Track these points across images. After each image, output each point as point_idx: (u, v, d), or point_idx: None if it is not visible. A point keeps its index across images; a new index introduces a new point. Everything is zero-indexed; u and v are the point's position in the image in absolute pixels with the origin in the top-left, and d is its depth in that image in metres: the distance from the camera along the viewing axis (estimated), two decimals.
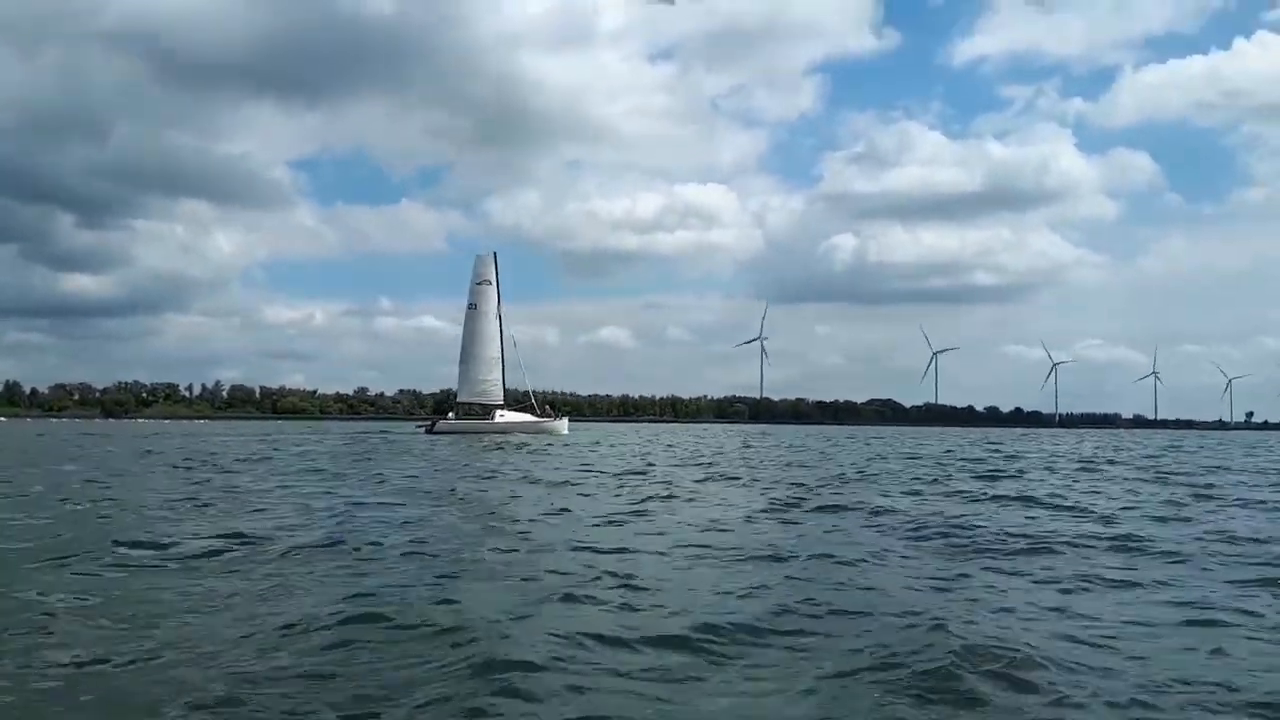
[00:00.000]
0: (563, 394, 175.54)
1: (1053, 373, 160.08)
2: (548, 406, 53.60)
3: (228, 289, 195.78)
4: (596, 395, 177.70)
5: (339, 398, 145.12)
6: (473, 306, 53.26)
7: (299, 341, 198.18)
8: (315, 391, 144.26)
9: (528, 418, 50.24)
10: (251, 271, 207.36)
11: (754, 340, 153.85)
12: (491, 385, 52.24)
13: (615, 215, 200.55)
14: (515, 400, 53.06)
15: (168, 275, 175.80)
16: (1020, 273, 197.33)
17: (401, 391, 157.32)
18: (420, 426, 51.71)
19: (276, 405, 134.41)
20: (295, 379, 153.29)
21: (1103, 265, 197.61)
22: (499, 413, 50.45)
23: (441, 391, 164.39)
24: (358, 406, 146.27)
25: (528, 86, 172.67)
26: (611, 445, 34.11)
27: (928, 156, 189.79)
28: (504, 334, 52.95)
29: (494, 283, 53.13)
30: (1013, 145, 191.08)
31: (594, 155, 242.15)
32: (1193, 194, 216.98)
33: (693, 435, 56.30)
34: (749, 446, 35.75)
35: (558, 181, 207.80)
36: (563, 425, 50.76)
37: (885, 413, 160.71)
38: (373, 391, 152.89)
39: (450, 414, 53.17)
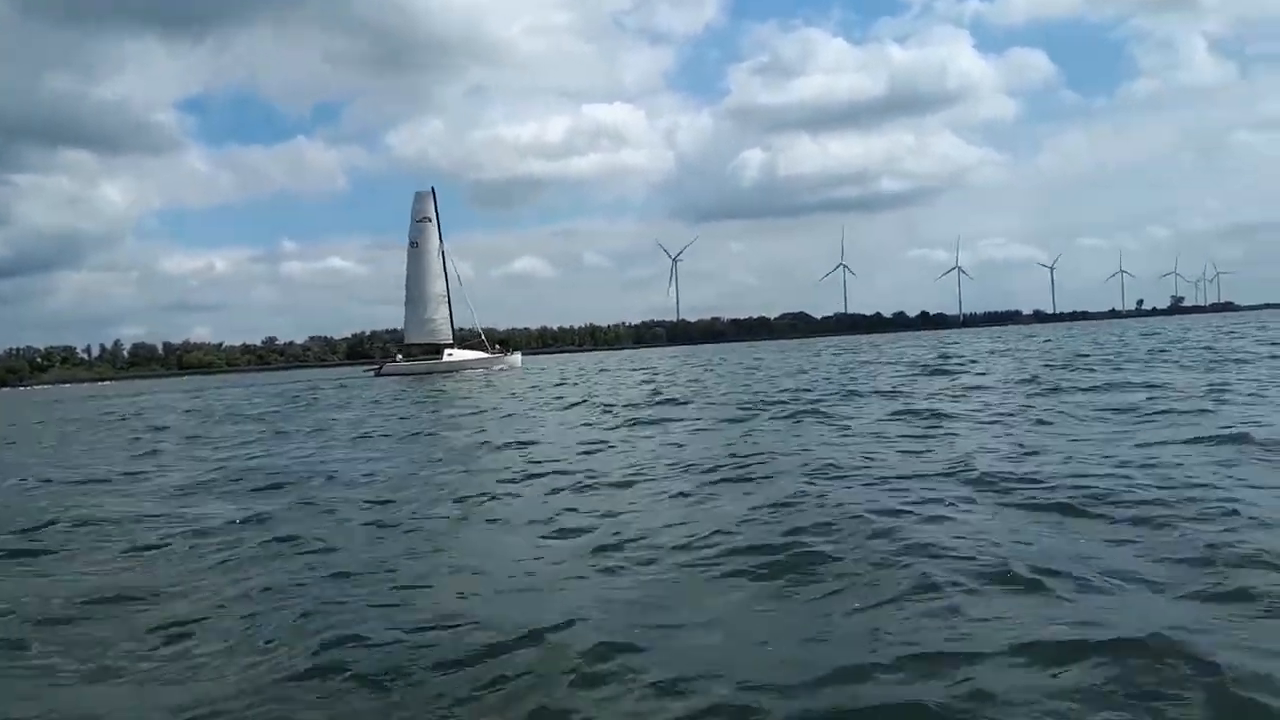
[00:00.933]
0: (484, 328, 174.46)
1: (955, 274, 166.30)
2: (498, 344, 53.00)
3: (122, 242, 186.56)
4: (514, 329, 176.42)
5: (246, 349, 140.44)
6: (414, 245, 52.26)
7: (202, 293, 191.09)
8: (221, 344, 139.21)
9: (479, 355, 49.76)
10: (145, 222, 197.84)
11: (671, 256, 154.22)
12: (440, 324, 51.44)
13: (523, 141, 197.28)
14: (464, 339, 52.48)
15: (55, 231, 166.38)
16: (924, 176, 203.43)
17: (312, 338, 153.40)
18: (369, 370, 50.82)
19: (181, 361, 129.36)
20: (200, 332, 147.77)
21: (1003, 164, 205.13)
22: (448, 351, 49.68)
23: (353, 335, 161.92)
24: (267, 357, 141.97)
25: (424, 9, 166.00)
26: (567, 378, 33.03)
27: (831, 64, 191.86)
28: (448, 271, 52.23)
29: (434, 219, 52.12)
30: (913, 48, 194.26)
31: (497, 79, 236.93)
32: (1087, 89, 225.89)
33: (635, 361, 55.85)
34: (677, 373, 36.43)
35: (462, 108, 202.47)
36: (516, 360, 50.66)
37: (798, 325, 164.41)
38: (282, 340, 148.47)
39: (398, 355, 52.37)
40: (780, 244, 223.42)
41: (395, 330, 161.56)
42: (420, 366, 47.99)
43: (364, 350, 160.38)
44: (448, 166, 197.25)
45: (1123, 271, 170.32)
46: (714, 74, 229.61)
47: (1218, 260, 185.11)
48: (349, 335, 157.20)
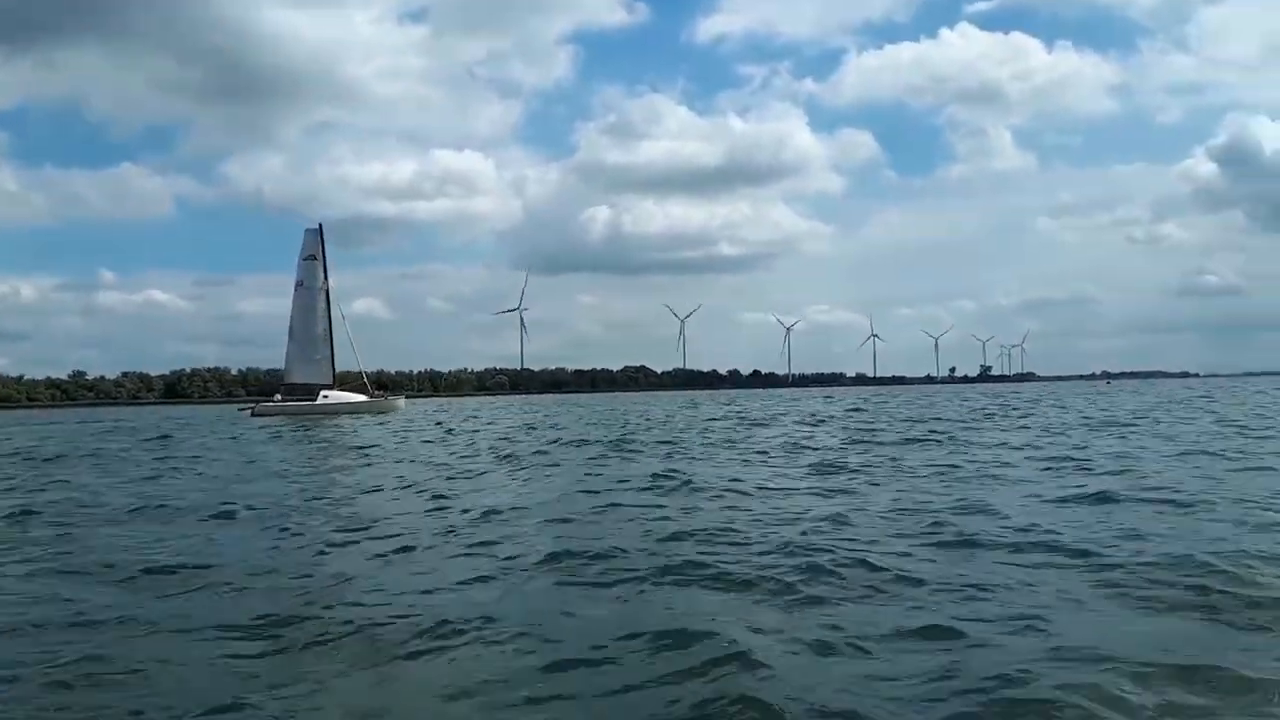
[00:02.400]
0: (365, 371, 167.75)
1: (786, 336, 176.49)
2: (380, 387, 51.82)
3: None
4: (347, 372, 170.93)
5: (51, 383, 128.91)
6: (300, 284, 51.26)
7: (3, 320, 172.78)
8: (22, 377, 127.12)
9: (358, 397, 48.90)
10: None
11: (513, 310, 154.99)
12: (321, 364, 50.21)
13: (369, 181, 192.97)
14: (344, 380, 51.57)
15: None
16: (759, 243, 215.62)
17: (125, 374, 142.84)
18: (243, 409, 49.35)
19: None
20: None
21: (830, 236, 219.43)
22: (324, 393, 48.44)
23: (172, 372, 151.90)
24: (73, 392, 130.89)
25: (271, 40, 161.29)
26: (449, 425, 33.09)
27: (675, 130, 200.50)
28: (332, 311, 51.08)
29: (320, 258, 51.23)
30: (752, 122, 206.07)
31: (344, 118, 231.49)
32: (906, 169, 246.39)
33: (491, 410, 56.36)
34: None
35: (305, 144, 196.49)
36: (400, 403, 50.11)
37: (639, 379, 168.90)
38: (92, 374, 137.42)
39: (277, 395, 50.78)
40: (624, 299, 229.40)
41: (218, 368, 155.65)
42: (299, 407, 46.65)
43: (182, 389, 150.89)
44: (287, 202, 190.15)
45: (937, 339, 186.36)
46: (563, 130, 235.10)
47: (1019, 333, 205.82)
48: (167, 372, 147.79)
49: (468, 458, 16.29)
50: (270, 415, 44.29)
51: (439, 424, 31.65)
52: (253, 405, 50.13)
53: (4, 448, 22.91)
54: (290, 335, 51.17)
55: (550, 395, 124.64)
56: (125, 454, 19.40)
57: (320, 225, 52.89)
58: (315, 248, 51.83)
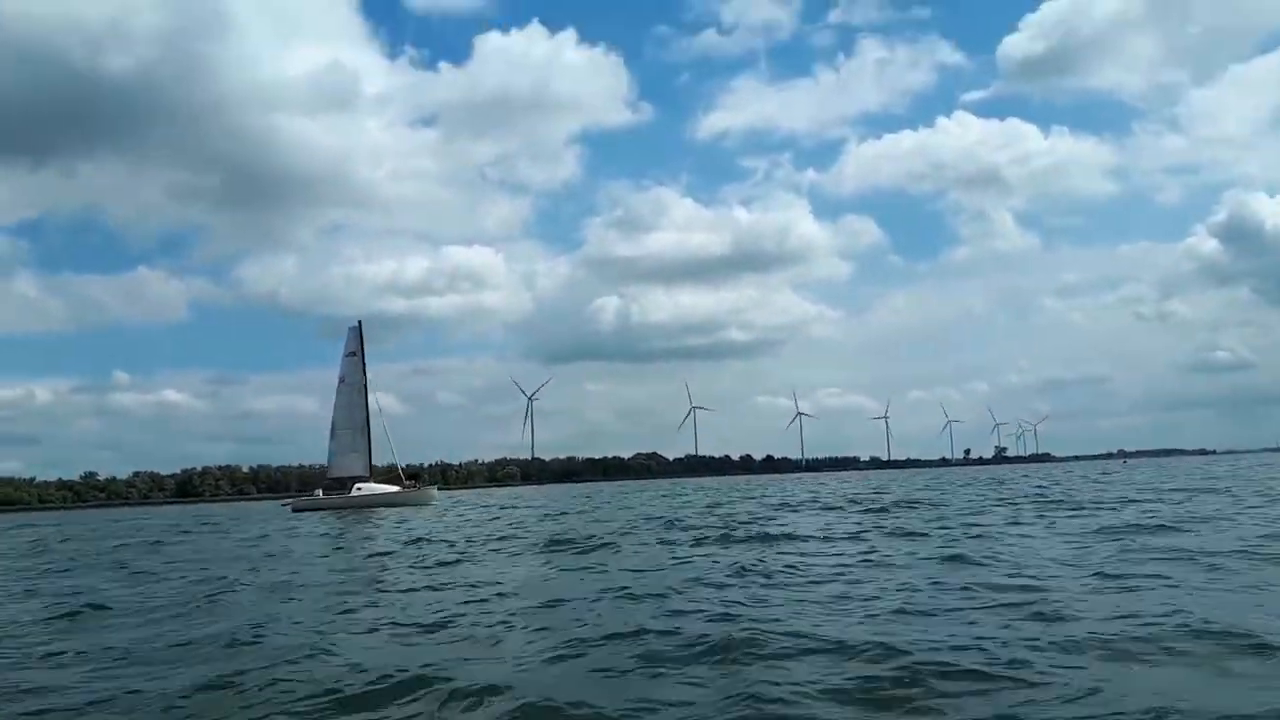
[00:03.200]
0: (323, 466, 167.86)
1: (797, 421, 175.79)
2: (411, 478, 51.78)
3: None
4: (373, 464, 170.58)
5: (62, 484, 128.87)
6: (343, 380, 52.49)
7: (17, 424, 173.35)
8: (33, 479, 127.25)
9: (391, 488, 48.93)
10: None
11: (527, 397, 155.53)
12: (361, 457, 50.98)
13: (381, 279, 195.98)
14: (378, 473, 52.02)
15: None
16: (767, 329, 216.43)
17: (137, 474, 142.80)
18: (285, 504, 50.82)
19: None
20: (10, 466, 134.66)
21: (838, 320, 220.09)
22: (357, 485, 48.89)
23: (183, 471, 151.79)
24: (85, 493, 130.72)
25: (284, 148, 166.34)
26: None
27: (681, 222, 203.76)
28: (369, 404, 51.93)
29: (359, 354, 52.47)
30: (757, 212, 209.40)
31: (357, 219, 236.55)
32: (910, 254, 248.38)
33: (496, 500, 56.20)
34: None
35: (318, 246, 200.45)
36: (433, 493, 50.32)
37: (651, 465, 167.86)
38: (103, 475, 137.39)
39: (317, 491, 51.37)
40: (634, 386, 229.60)
41: (229, 466, 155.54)
42: (335, 501, 47.21)
43: (194, 487, 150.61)
44: (300, 302, 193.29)
45: (950, 423, 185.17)
46: (570, 225, 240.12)
47: (1033, 414, 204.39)
48: (178, 471, 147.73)
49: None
50: (309, 510, 44.89)
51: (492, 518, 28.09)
52: (291, 501, 51.36)
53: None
54: (333, 431, 52.12)
55: (562, 485, 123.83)
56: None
57: (360, 322, 54.11)
58: (356, 344, 53.01)
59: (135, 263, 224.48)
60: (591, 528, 19.58)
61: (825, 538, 14.76)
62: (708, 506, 28.25)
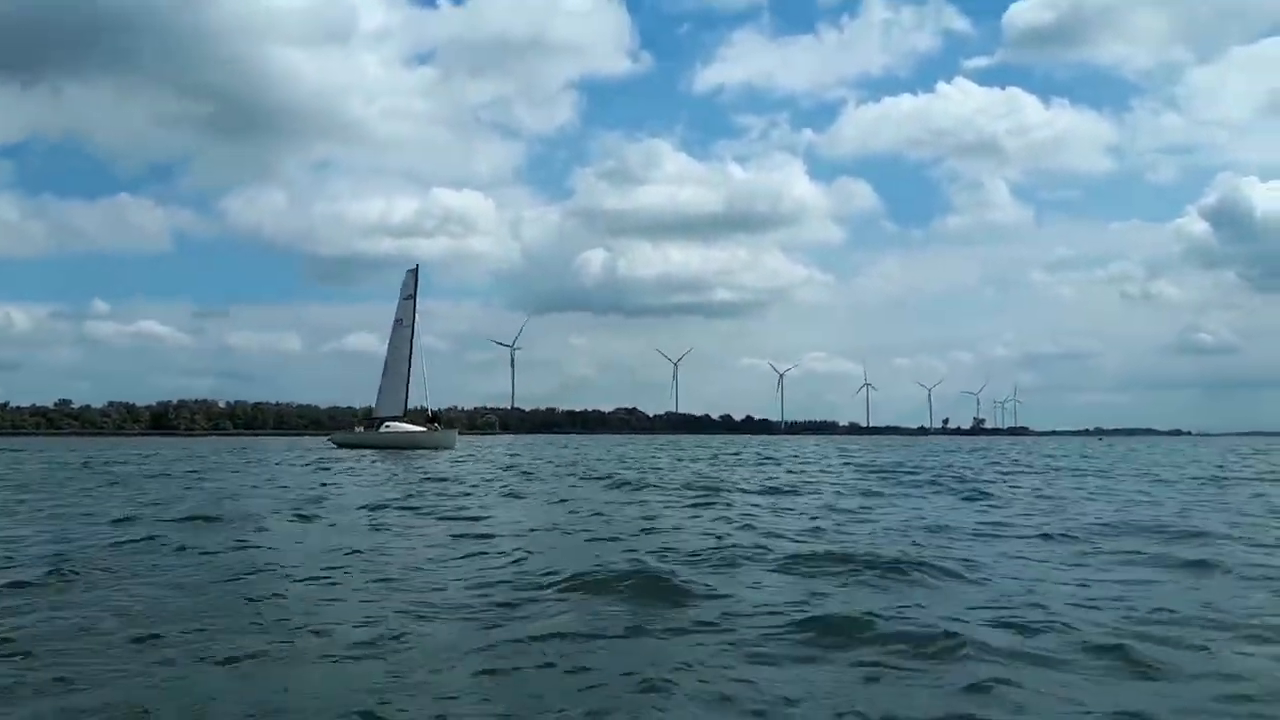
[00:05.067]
0: (302, 405, 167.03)
1: (779, 382, 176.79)
2: (432, 420, 51.75)
3: None
4: (337, 407, 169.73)
5: (36, 411, 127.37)
6: (399, 322, 53.79)
7: None
8: (6, 404, 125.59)
9: (417, 429, 49.52)
10: None
11: (507, 346, 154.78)
12: (402, 399, 52.26)
13: (369, 218, 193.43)
14: (405, 412, 52.80)
15: None
16: (755, 290, 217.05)
17: (111, 404, 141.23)
18: (330, 440, 53.04)
19: None
20: None
21: (828, 284, 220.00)
22: (386, 424, 50.29)
23: (159, 403, 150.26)
24: (58, 421, 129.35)
25: (276, 80, 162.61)
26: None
27: (674, 176, 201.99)
28: (414, 347, 52.87)
29: (414, 297, 53.45)
30: (752, 170, 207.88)
31: (347, 156, 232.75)
32: (904, 221, 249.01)
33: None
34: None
35: (306, 181, 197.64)
36: (454, 437, 50.60)
37: (631, 421, 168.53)
38: (78, 404, 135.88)
39: (358, 427, 53.82)
40: (618, 341, 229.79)
41: (205, 400, 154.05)
42: (370, 438, 48.78)
43: (168, 420, 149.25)
44: (287, 237, 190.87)
45: (931, 390, 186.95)
46: (562, 173, 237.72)
47: (1014, 387, 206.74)
48: (154, 404, 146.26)
49: None
50: (350, 446, 46.96)
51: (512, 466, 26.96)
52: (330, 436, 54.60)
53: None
54: (385, 371, 53.84)
55: (541, 435, 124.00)
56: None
57: (417, 266, 55.38)
58: (412, 287, 53.98)
59: (119, 189, 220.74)
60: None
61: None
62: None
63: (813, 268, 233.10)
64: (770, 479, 19.33)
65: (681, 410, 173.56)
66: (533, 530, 9.91)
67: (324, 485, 17.56)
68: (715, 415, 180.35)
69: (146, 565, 7.16)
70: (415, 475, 21.15)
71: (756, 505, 12.95)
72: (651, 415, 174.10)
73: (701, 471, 22.89)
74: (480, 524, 10.34)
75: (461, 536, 9.16)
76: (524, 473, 22.37)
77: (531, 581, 6.44)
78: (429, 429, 49.64)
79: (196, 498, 14.24)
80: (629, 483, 17.83)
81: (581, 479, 19.71)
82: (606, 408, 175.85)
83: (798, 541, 8.54)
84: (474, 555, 7.82)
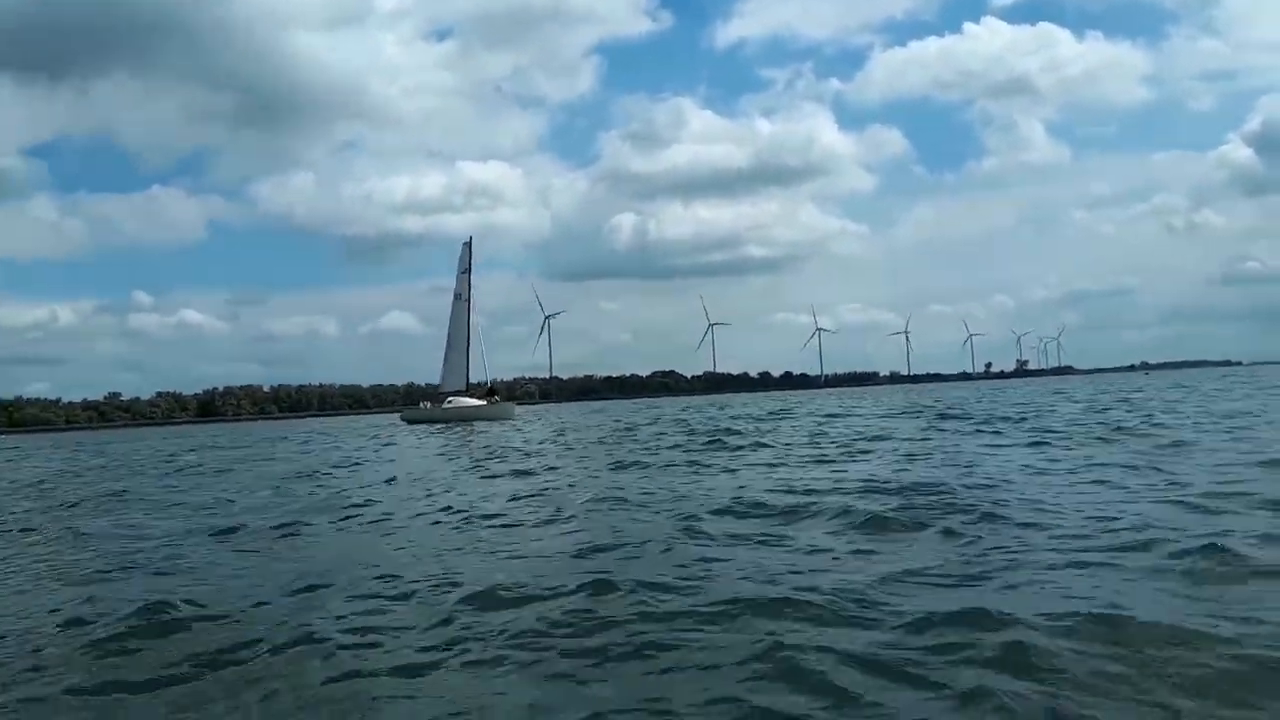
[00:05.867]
0: (345, 385, 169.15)
1: (817, 336, 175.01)
2: (491, 393, 51.63)
3: None
4: (379, 385, 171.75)
5: (87, 405, 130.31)
6: (458, 297, 53.47)
7: (43, 346, 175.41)
8: (60, 400, 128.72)
9: (478, 402, 49.49)
10: None
11: (549, 316, 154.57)
12: (463, 373, 52.36)
13: (397, 197, 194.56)
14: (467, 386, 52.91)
15: None
16: (789, 244, 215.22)
17: (160, 394, 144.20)
18: (401, 417, 52.76)
19: (12, 418, 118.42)
20: (37, 388, 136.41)
21: (862, 235, 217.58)
22: (450, 399, 50.51)
23: (205, 391, 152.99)
24: (109, 413, 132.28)
25: (298, 64, 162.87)
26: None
27: (699, 134, 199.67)
28: (471, 320, 52.93)
29: (469, 271, 53.50)
30: (779, 123, 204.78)
31: (372, 136, 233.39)
32: (936, 166, 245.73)
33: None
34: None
35: (332, 163, 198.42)
36: (513, 409, 50.78)
37: (669, 384, 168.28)
38: (127, 396, 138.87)
39: (424, 402, 53.70)
40: (652, 304, 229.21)
41: (250, 386, 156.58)
42: (437, 414, 48.62)
43: (216, 407, 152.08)
44: (317, 221, 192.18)
45: (971, 336, 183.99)
46: (587, 140, 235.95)
47: (1056, 327, 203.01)
48: (200, 392, 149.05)
49: None
50: (420, 422, 46.73)
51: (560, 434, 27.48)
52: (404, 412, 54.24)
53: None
54: (449, 346, 53.67)
55: (580, 403, 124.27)
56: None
57: (470, 239, 55.28)
58: (467, 261, 53.86)
59: (150, 182, 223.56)
60: None
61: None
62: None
63: (845, 219, 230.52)
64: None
65: (719, 370, 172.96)
66: None
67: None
68: (754, 373, 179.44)
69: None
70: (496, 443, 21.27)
71: None
72: (690, 377, 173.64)
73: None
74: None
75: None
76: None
77: None
78: (490, 401, 49.55)
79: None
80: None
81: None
82: (643, 371, 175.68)
83: None
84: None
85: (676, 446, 17.08)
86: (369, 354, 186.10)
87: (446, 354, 53.75)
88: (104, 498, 12.79)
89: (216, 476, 16.28)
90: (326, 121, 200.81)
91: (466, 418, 46.14)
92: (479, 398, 50.34)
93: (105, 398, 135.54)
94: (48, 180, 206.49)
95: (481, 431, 32.22)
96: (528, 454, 17.67)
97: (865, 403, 42.86)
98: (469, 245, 54.49)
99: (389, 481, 12.96)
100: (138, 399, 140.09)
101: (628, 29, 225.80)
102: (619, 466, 13.49)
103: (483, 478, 13.01)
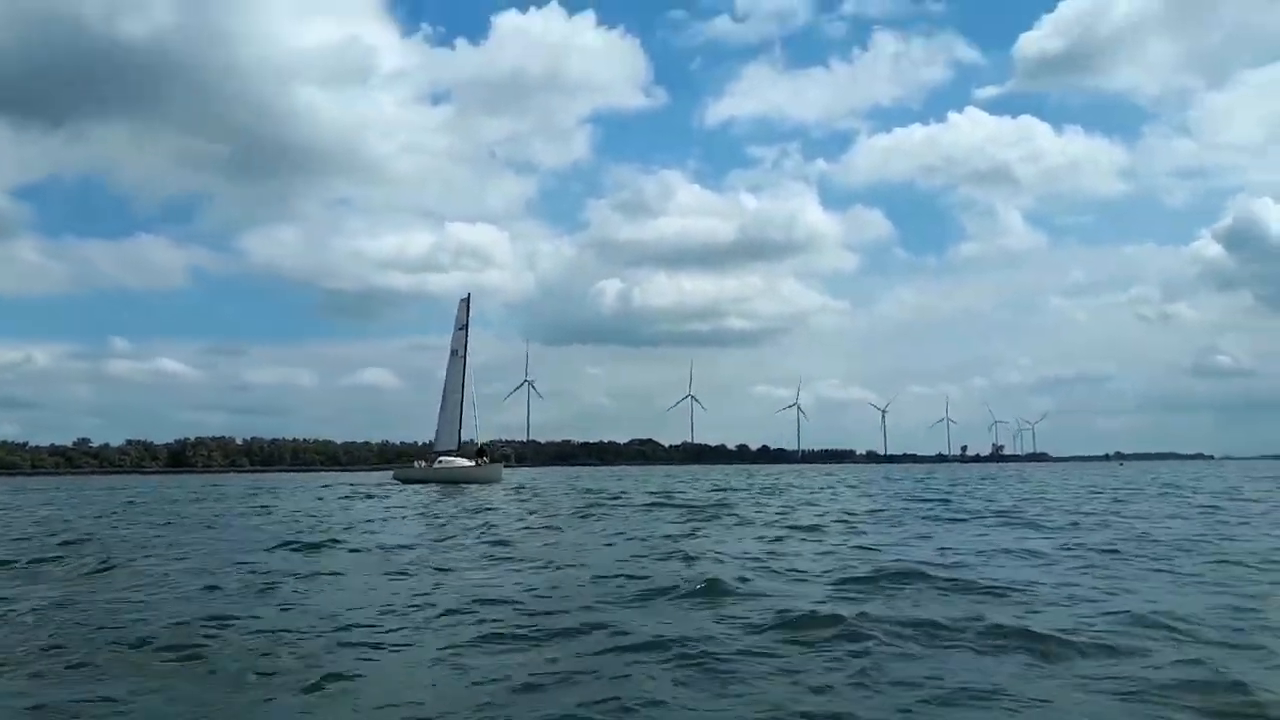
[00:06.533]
0: (316, 441, 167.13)
1: (796, 411, 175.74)
2: (480, 453, 50.88)
3: None
4: (353, 443, 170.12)
5: (55, 450, 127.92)
6: (454, 353, 53.07)
7: (15, 387, 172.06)
8: (26, 443, 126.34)
9: (468, 463, 48.71)
10: None
11: (526, 381, 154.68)
12: (456, 431, 51.70)
13: (384, 254, 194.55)
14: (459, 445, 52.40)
15: None
16: (770, 318, 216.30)
17: (130, 442, 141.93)
18: (394, 476, 51.98)
19: None
20: (6, 430, 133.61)
21: (842, 312, 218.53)
22: (441, 458, 49.88)
23: (176, 441, 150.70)
24: (77, 459, 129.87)
25: (294, 119, 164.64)
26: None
27: (688, 207, 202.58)
28: (465, 378, 52.44)
29: (466, 327, 53.22)
30: (765, 199, 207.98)
31: (364, 194, 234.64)
32: (917, 248, 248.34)
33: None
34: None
35: (323, 218, 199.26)
36: (501, 470, 50.10)
37: (646, 451, 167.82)
38: (96, 442, 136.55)
39: (418, 462, 53.32)
40: (633, 371, 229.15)
41: (223, 437, 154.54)
42: (429, 473, 48.27)
43: (186, 457, 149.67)
44: (303, 274, 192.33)
45: (948, 419, 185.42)
46: (576, 206, 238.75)
47: (1031, 411, 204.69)
48: (171, 441, 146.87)
49: None
50: (414, 481, 46.17)
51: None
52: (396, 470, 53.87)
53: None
54: (443, 404, 52.94)
55: (559, 468, 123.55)
56: None
57: (469, 295, 55.09)
58: (465, 317, 53.61)
59: (138, 229, 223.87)
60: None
61: None
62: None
63: (826, 295, 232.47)
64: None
65: (697, 440, 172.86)
66: None
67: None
68: (731, 445, 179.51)
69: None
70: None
71: None
72: (668, 446, 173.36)
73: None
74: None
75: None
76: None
77: None
78: (478, 463, 48.87)
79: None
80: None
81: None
82: (621, 438, 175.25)
83: None
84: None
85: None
86: (344, 408, 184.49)
87: (441, 411, 53.00)
88: None
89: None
90: (319, 176, 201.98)
91: (456, 479, 45.52)
92: (469, 457, 49.74)
93: (74, 443, 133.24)
94: (35, 221, 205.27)
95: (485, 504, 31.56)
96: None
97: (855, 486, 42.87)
98: (467, 301, 54.31)
99: None
100: (107, 445, 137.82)
101: (623, 102, 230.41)
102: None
103: None
